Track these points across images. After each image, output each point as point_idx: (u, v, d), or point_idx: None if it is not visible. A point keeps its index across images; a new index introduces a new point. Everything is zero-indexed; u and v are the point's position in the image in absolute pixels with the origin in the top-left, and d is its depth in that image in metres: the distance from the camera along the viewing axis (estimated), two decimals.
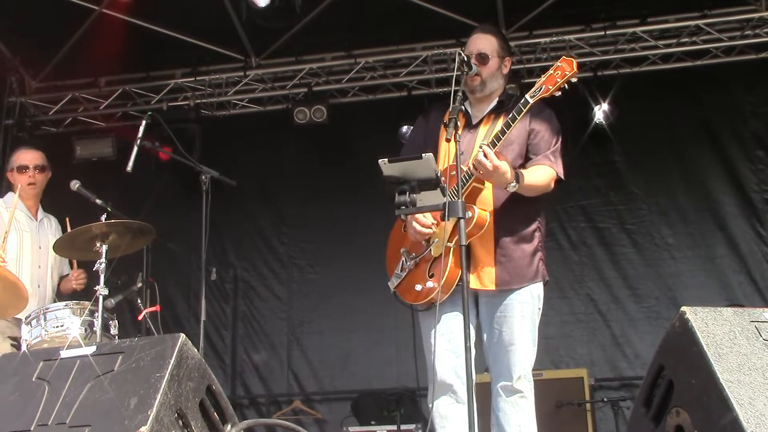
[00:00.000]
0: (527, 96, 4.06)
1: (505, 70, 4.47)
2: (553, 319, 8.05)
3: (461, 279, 3.82)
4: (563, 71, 4.06)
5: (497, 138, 4.02)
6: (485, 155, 3.91)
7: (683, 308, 3.00)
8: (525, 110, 4.04)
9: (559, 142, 4.31)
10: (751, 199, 8.03)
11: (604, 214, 8.35)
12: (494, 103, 4.38)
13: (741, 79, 8.10)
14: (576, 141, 8.07)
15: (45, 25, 7.52)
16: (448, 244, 4.01)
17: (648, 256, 8.17)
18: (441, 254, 4.08)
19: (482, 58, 4.34)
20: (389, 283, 4.31)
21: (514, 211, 4.17)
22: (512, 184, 4.01)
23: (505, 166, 3.95)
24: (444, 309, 4.10)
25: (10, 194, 6.01)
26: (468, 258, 3.74)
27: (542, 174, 4.19)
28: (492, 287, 4.13)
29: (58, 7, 7.35)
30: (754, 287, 7.83)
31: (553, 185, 4.27)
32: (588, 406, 6.96)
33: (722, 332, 2.93)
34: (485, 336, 4.22)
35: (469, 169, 4.02)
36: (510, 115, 4.06)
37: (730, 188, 8.10)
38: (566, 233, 8.36)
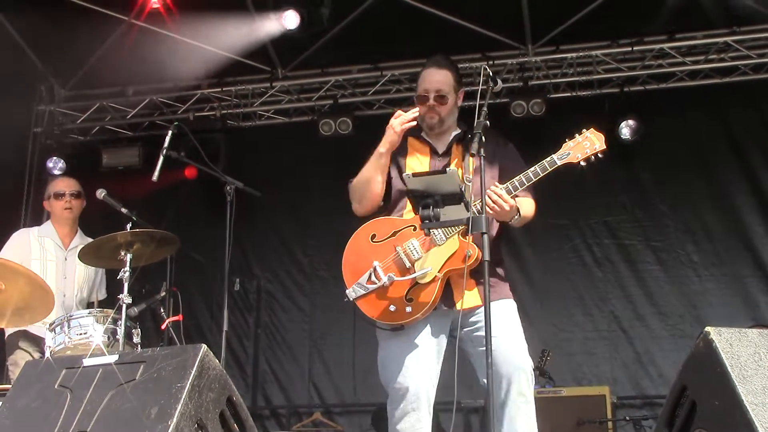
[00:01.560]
0: (555, 157, 4.10)
1: (459, 102, 4.47)
2: (576, 336, 8.02)
3: (441, 304, 4.02)
4: (592, 144, 4.13)
5: (514, 186, 4.05)
6: (501, 197, 3.95)
7: (707, 328, 2.97)
8: (550, 170, 4.08)
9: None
10: None
11: (629, 230, 8.30)
12: (456, 131, 4.39)
13: None
14: (602, 157, 8.02)
15: (74, 35, 7.60)
16: (438, 274, 4.02)
17: (673, 274, 8.11)
18: (427, 282, 4.04)
19: (440, 99, 4.34)
20: (349, 291, 4.19)
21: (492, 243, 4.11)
22: (516, 218, 4.09)
23: (514, 204, 4.03)
24: (417, 329, 4.09)
25: (47, 223, 6.19)
26: (487, 275, 3.73)
27: (529, 206, 4.24)
28: (478, 302, 4.09)
29: (88, 17, 7.43)
30: None
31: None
32: (609, 424, 6.90)
33: (747, 354, 2.90)
34: (474, 353, 4.12)
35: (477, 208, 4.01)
36: (533, 170, 4.07)
37: (757, 207, 8.03)
38: (590, 250, 8.32)
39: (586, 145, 4.12)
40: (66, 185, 6.30)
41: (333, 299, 8.65)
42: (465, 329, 4.13)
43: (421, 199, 3.79)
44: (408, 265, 4.11)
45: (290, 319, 8.79)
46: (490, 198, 3.94)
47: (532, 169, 4.08)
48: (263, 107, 8.75)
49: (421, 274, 4.05)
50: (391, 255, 4.16)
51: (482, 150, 3.84)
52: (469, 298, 4.10)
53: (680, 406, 3.11)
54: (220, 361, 3.62)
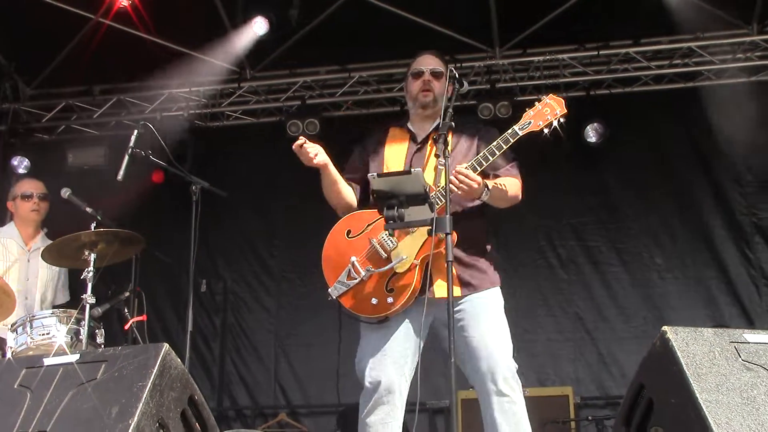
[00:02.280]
0: (516, 128, 4.09)
1: (448, 93, 4.51)
2: (540, 337, 8.07)
3: (421, 293, 3.97)
4: (553, 110, 4.12)
5: (479, 163, 4.05)
6: (466, 176, 3.96)
7: (664, 328, 3.02)
8: (513, 141, 4.08)
9: (514, 159, 4.36)
10: (739, 222, 8.07)
11: (594, 233, 8.38)
12: (436, 122, 4.35)
13: (732, 102, 8.14)
14: (567, 160, 8.12)
15: (41, 33, 7.54)
16: (415, 261, 4.02)
17: (637, 276, 8.20)
18: (405, 270, 4.06)
19: (436, 75, 4.40)
20: (331, 290, 4.25)
21: (465, 225, 4.14)
22: (485, 193, 4.07)
23: (482, 181, 4.04)
24: (397, 322, 4.11)
25: (11, 224, 6.14)
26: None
27: (510, 184, 4.24)
28: (457, 293, 4.10)
29: (55, 15, 7.37)
30: (741, 309, 7.86)
31: (521, 197, 4.32)
32: (573, 424, 6.97)
33: (702, 352, 2.95)
34: (460, 343, 4.16)
35: (439, 188, 4.03)
36: (496, 144, 4.08)
37: (719, 210, 8.14)
38: (556, 252, 8.38)
39: (546, 111, 4.11)
40: (34, 187, 6.27)
41: (299, 300, 8.67)
42: (457, 316, 4.13)
43: (386, 200, 3.80)
44: (384, 255, 4.13)
45: (256, 320, 8.77)
46: (456, 178, 3.95)
47: (495, 143, 4.08)
48: (231, 107, 8.73)
49: (398, 263, 4.07)
50: (367, 248, 4.19)
51: (446, 151, 3.88)
52: (458, 283, 4.13)
53: (637, 405, 3.15)
54: (185, 362, 3.63)
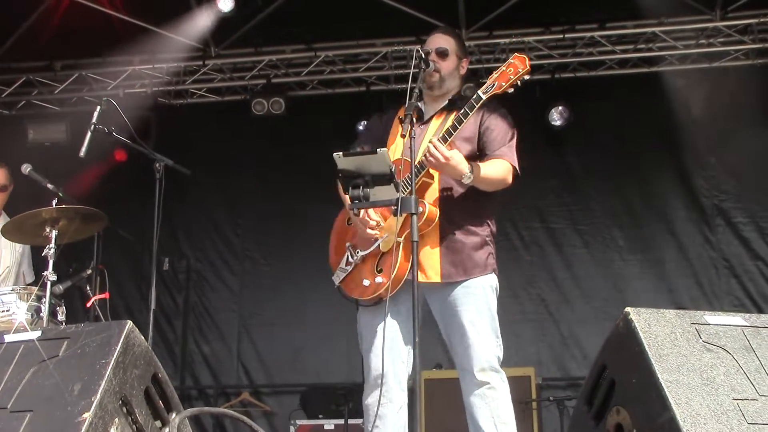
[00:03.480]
0: (480, 92, 4.07)
1: (462, 71, 4.48)
2: (502, 319, 8.05)
3: (410, 274, 3.87)
4: (516, 68, 4.08)
5: (448, 133, 4.04)
6: (435, 148, 3.94)
7: (627, 309, 3.05)
8: (477, 106, 4.05)
9: (514, 139, 4.31)
10: (701, 204, 8.19)
11: (557, 214, 8.45)
12: (446, 101, 4.38)
13: (695, 87, 8.21)
14: (531, 142, 8.12)
15: (1, 5, 7.40)
16: (398, 239, 4.00)
17: (599, 258, 8.29)
18: (390, 249, 4.07)
19: (441, 54, 4.36)
20: (333, 278, 4.27)
21: (462, 206, 4.17)
22: (466, 175, 4.02)
23: (457, 157, 3.99)
24: (390, 304, 4.02)
25: None
26: (417, 253, 3.75)
27: (498, 167, 4.19)
28: (437, 279, 4.13)
29: None
30: (701, 291, 7.99)
31: (510, 180, 4.26)
32: (534, 404, 7.04)
33: (664, 333, 2.98)
34: (443, 331, 4.23)
35: (420, 162, 4.03)
36: (462, 111, 4.06)
37: (681, 193, 8.25)
38: (519, 233, 8.44)
39: (510, 71, 4.07)
40: None
41: (263, 279, 8.66)
42: (439, 304, 4.19)
43: (351, 180, 3.79)
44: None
45: (219, 299, 8.75)
46: (428, 150, 3.95)
47: (462, 110, 4.06)
48: (195, 85, 8.65)
49: (382, 241, 4.09)
50: (359, 232, 4.21)
51: (412, 131, 3.87)
52: (432, 270, 4.14)
53: (600, 385, 3.19)
54: (147, 340, 3.59)
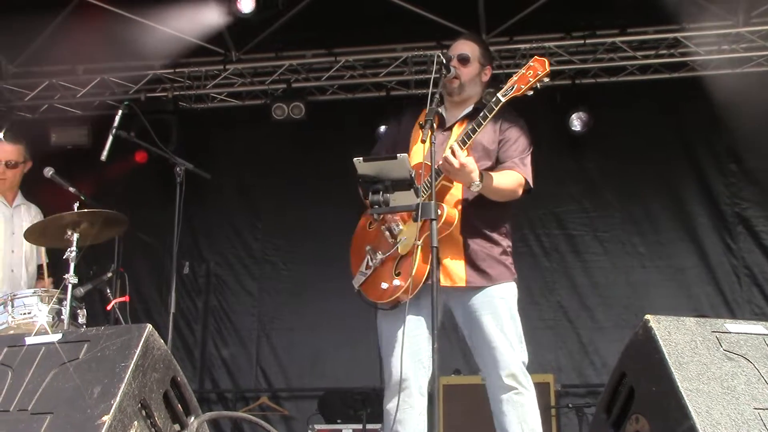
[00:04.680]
0: (499, 95, 4.08)
1: (485, 78, 4.48)
2: (522, 325, 8.08)
3: (428, 278, 3.90)
4: (536, 71, 4.09)
5: (467, 136, 4.04)
6: (453, 153, 3.94)
7: (647, 316, 3.03)
8: (497, 109, 4.05)
9: (529, 152, 4.33)
10: (722, 212, 8.12)
11: (576, 221, 8.41)
12: (470, 108, 4.37)
13: (717, 93, 8.16)
14: (552, 148, 8.12)
15: (25, 10, 7.45)
16: (417, 242, 3.99)
17: (619, 265, 8.25)
18: (409, 252, 4.06)
19: (463, 60, 4.35)
20: (354, 282, 4.27)
21: (483, 212, 4.18)
22: (476, 184, 4.02)
23: (471, 164, 3.99)
24: (408, 310, 4.02)
25: None
26: (438, 258, 3.75)
27: (510, 178, 4.20)
28: (462, 284, 4.14)
29: None
30: (722, 299, 7.92)
31: (521, 192, 4.27)
32: (553, 411, 7.00)
33: (684, 341, 2.96)
34: (468, 337, 4.23)
35: (438, 167, 4.03)
36: (481, 114, 4.06)
37: (702, 200, 8.19)
38: (539, 240, 8.41)
39: (529, 74, 4.09)
40: (2, 154, 6.00)
41: (282, 283, 8.68)
42: (462, 309, 4.18)
43: (371, 185, 3.79)
44: (391, 240, 4.15)
45: (239, 303, 8.77)
46: (444, 157, 3.96)
47: (481, 113, 4.06)
48: (216, 89, 8.68)
49: (401, 245, 4.09)
50: (379, 236, 4.21)
51: (432, 136, 3.87)
52: (456, 275, 4.15)
53: (619, 392, 3.17)
54: (167, 344, 3.61)
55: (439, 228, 3.90)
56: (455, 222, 4.08)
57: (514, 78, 4.11)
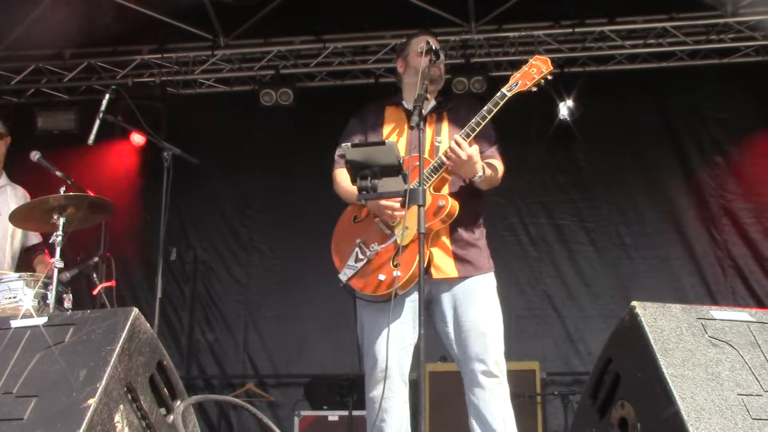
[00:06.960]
0: (504, 90, 4.09)
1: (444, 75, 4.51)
2: (508, 314, 8.08)
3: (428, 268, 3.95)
4: (539, 69, 4.13)
5: (471, 129, 4.04)
6: (458, 145, 3.95)
7: (633, 303, 3.04)
8: (502, 103, 4.06)
9: (498, 140, 4.38)
10: (707, 203, 8.17)
11: (564, 211, 8.44)
12: (434, 102, 4.41)
13: (704, 84, 8.20)
14: (540, 137, 8.15)
15: None
16: (421, 231, 3.98)
17: (605, 255, 8.28)
18: (410, 242, 4.04)
19: (438, 54, 4.37)
20: (341, 275, 4.20)
21: (467, 204, 4.18)
22: (479, 175, 4.06)
23: (477, 155, 4.01)
24: (395, 300, 4.02)
25: None
26: (424, 245, 3.75)
27: (498, 167, 4.27)
28: (454, 274, 4.14)
29: None
30: (706, 290, 7.98)
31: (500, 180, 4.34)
32: (538, 398, 7.03)
33: (669, 328, 2.97)
34: (451, 325, 4.17)
35: (440, 159, 4.03)
36: (485, 108, 4.07)
37: (688, 191, 8.24)
38: (526, 229, 8.43)
39: (533, 72, 4.12)
40: None
41: (269, 270, 8.68)
42: (452, 297, 4.17)
43: (359, 170, 3.78)
44: (388, 231, 4.13)
45: (226, 290, 8.77)
46: (450, 147, 3.97)
47: (485, 107, 4.07)
48: (204, 75, 8.65)
49: (401, 235, 4.05)
50: (371, 228, 4.18)
51: (421, 123, 3.87)
52: (448, 266, 4.15)
53: (604, 378, 3.19)
54: (153, 329, 3.59)
55: (442, 219, 3.99)
56: (455, 215, 4.07)
57: (518, 75, 4.14)
